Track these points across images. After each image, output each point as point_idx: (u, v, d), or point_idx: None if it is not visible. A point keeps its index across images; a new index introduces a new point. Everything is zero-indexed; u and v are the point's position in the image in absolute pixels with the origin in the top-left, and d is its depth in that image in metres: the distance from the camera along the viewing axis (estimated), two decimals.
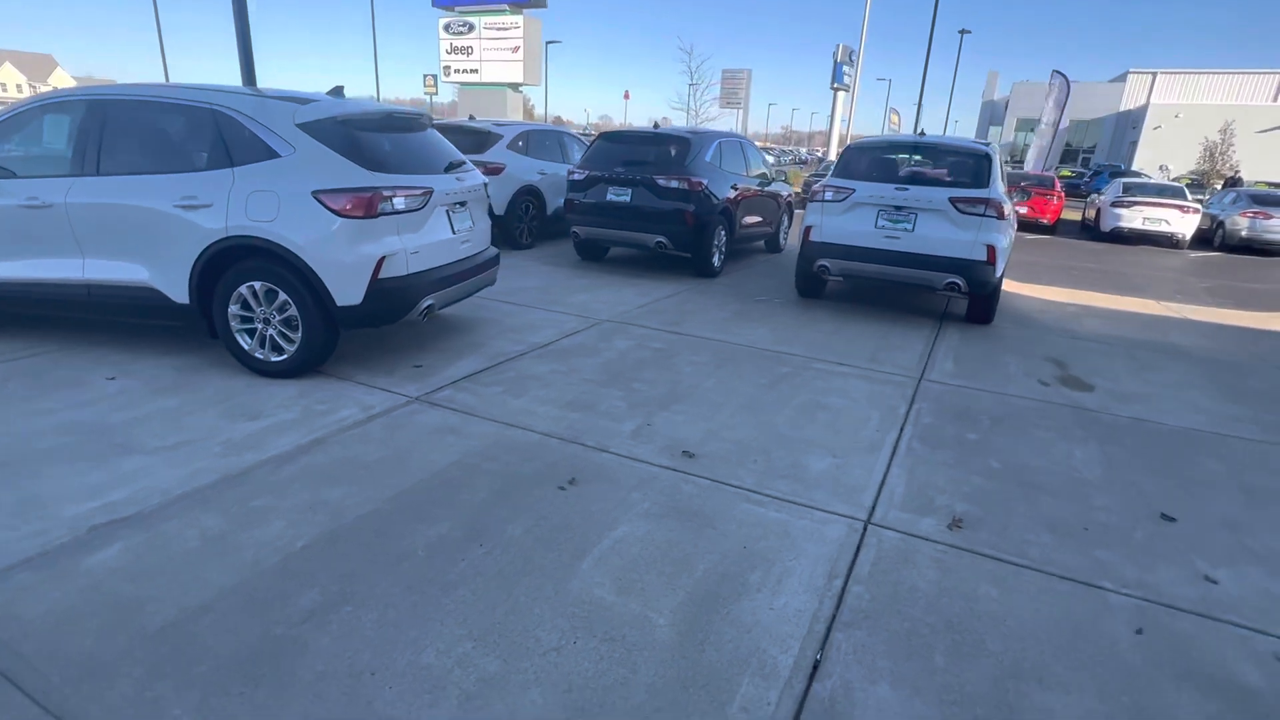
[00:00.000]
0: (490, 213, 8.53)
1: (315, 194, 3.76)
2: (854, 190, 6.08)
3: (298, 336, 3.98)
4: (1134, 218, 14.80)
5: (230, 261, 3.93)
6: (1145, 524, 2.97)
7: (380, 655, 2.01)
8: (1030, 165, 23.86)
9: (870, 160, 6.37)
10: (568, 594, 2.32)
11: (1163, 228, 14.63)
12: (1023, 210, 16.64)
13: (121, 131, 4.02)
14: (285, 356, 4.04)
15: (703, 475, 3.18)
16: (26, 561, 2.34)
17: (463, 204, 4.56)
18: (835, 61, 23.62)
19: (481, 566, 2.44)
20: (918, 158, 6.41)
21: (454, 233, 4.46)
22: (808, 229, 6.37)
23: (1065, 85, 21.89)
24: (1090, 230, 16.84)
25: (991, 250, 5.78)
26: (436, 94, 33.04)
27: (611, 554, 2.55)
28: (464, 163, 4.74)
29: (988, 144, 6.28)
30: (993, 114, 55.92)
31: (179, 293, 4.01)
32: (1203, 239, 15.54)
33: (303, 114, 3.89)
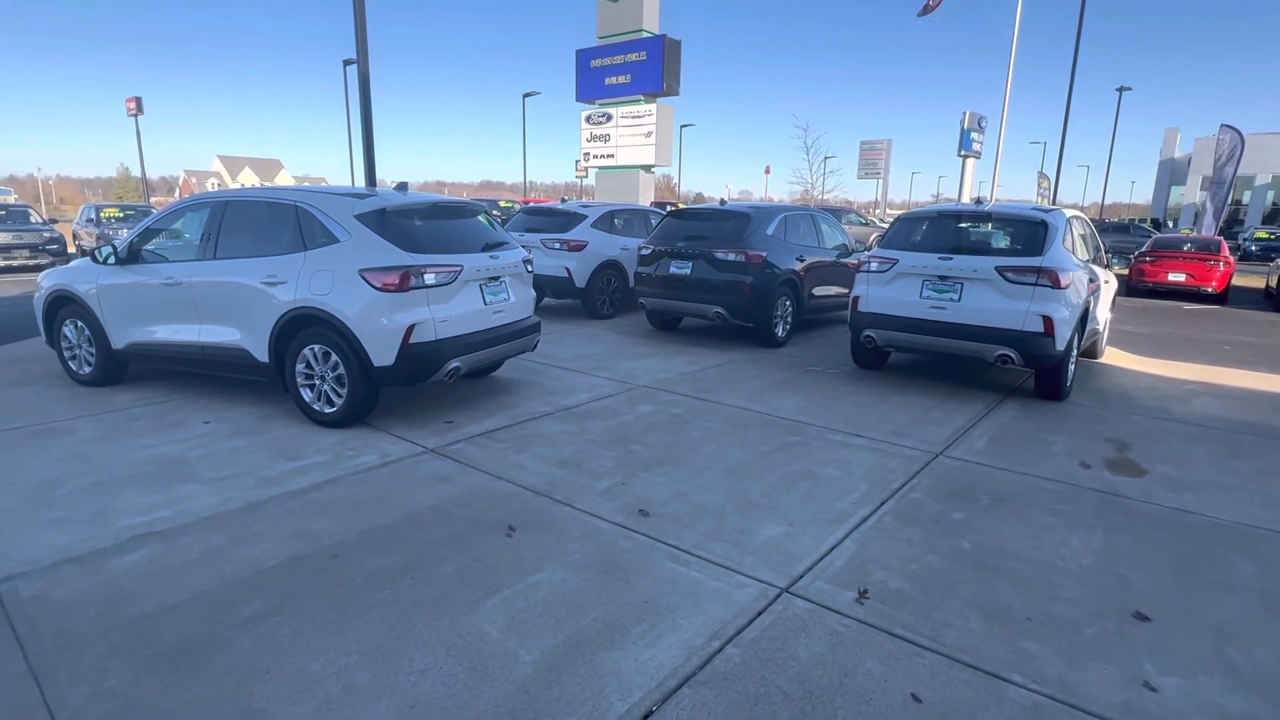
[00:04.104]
0: (571, 286, 9.38)
1: (361, 272, 4.47)
2: (897, 260, 5.99)
3: (345, 392, 4.66)
4: None
5: (298, 328, 4.72)
6: (1108, 620, 2.67)
7: (281, 658, 2.37)
8: (1205, 227, 21.49)
9: (918, 230, 6.25)
10: (460, 627, 2.56)
11: None
12: (1179, 278, 14.95)
13: (233, 224, 5.04)
14: (335, 409, 4.72)
15: (645, 533, 3.31)
16: (74, 559, 3.00)
17: (496, 279, 5.13)
18: (963, 129, 23.00)
19: (401, 596, 2.75)
20: (967, 226, 6.18)
21: (485, 304, 5.02)
22: (854, 299, 6.32)
23: (1237, 139, 19.59)
24: (1274, 300, 14.64)
25: (1049, 321, 5.40)
26: (586, 176, 36.36)
27: (519, 596, 2.76)
28: (503, 243, 5.34)
29: (1049, 211, 5.94)
30: (1174, 173, 50.66)
31: (262, 353, 4.86)
32: None
33: (360, 207, 4.68)
